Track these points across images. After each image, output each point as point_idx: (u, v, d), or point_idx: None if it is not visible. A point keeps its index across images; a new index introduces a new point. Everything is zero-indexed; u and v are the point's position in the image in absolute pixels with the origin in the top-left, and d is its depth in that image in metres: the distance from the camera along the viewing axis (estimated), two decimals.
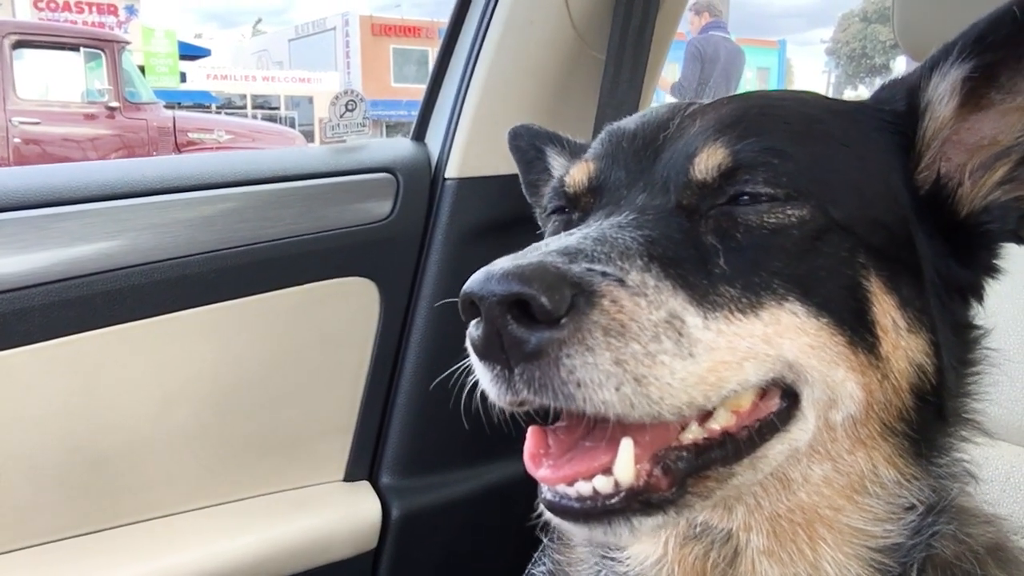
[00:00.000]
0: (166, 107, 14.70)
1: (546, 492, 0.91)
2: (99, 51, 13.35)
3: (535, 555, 1.43)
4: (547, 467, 0.90)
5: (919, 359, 1.01)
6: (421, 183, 2.16)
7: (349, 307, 2.10)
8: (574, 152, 1.40)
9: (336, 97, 2.20)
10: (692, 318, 0.87)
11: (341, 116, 2.21)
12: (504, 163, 1.48)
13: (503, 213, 2.18)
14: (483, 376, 0.89)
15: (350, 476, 2.19)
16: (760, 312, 0.92)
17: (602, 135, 1.17)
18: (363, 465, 2.21)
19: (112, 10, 30.87)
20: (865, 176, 1.04)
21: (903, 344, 1.00)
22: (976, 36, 1.01)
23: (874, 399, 0.99)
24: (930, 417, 1.04)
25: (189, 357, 1.92)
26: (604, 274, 0.85)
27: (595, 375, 0.82)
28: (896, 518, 1.03)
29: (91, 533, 1.88)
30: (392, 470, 2.22)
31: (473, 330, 0.86)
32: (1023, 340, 1.69)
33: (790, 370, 0.93)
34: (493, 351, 0.84)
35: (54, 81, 13.45)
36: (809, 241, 0.96)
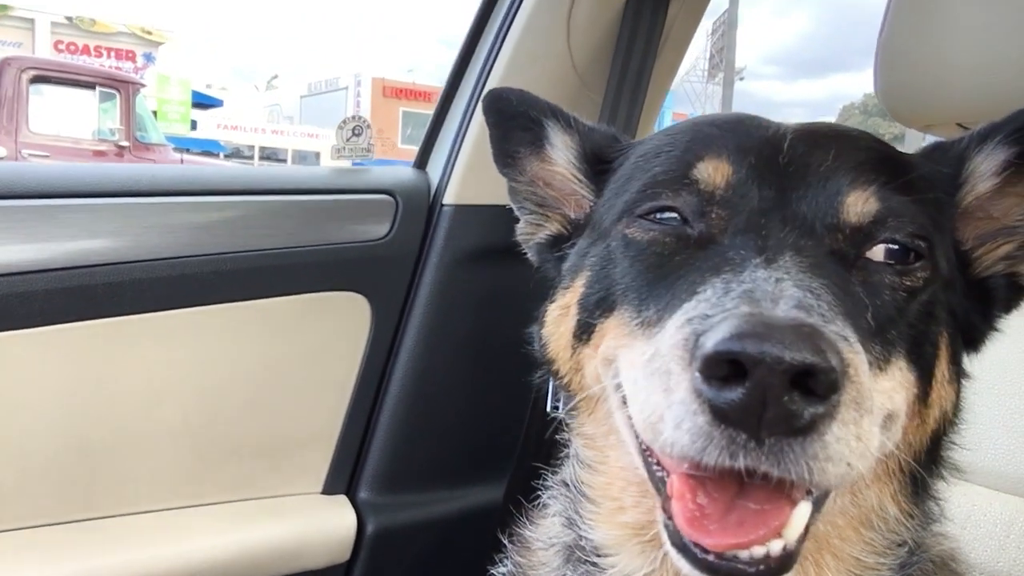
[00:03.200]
0: (175, 151, 14.93)
1: (705, 555, 0.83)
2: (114, 91, 13.64)
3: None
4: (714, 530, 0.83)
5: (947, 407, 1.07)
6: (419, 207, 2.24)
7: (340, 321, 2.16)
8: (585, 135, 1.30)
9: (344, 122, 2.29)
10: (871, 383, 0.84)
11: (347, 140, 2.30)
12: (501, 193, 1.45)
13: (497, 240, 2.25)
14: (702, 434, 0.77)
15: (328, 489, 2.22)
16: (888, 369, 0.94)
17: (694, 135, 1.09)
18: (342, 479, 2.23)
19: (130, 56, 31.52)
20: (947, 232, 1.10)
21: (943, 394, 1.06)
22: (1021, 124, 1.08)
23: (904, 440, 1.02)
24: (930, 459, 1.10)
25: (181, 355, 1.96)
26: (844, 339, 0.80)
27: (843, 451, 0.77)
28: (889, 553, 1.06)
29: (71, 522, 1.89)
30: (370, 485, 2.24)
31: (717, 389, 0.75)
32: (988, 385, 1.74)
33: (887, 420, 0.94)
34: (749, 419, 0.75)
35: (67, 117, 13.68)
36: (924, 299, 0.99)
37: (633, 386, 0.89)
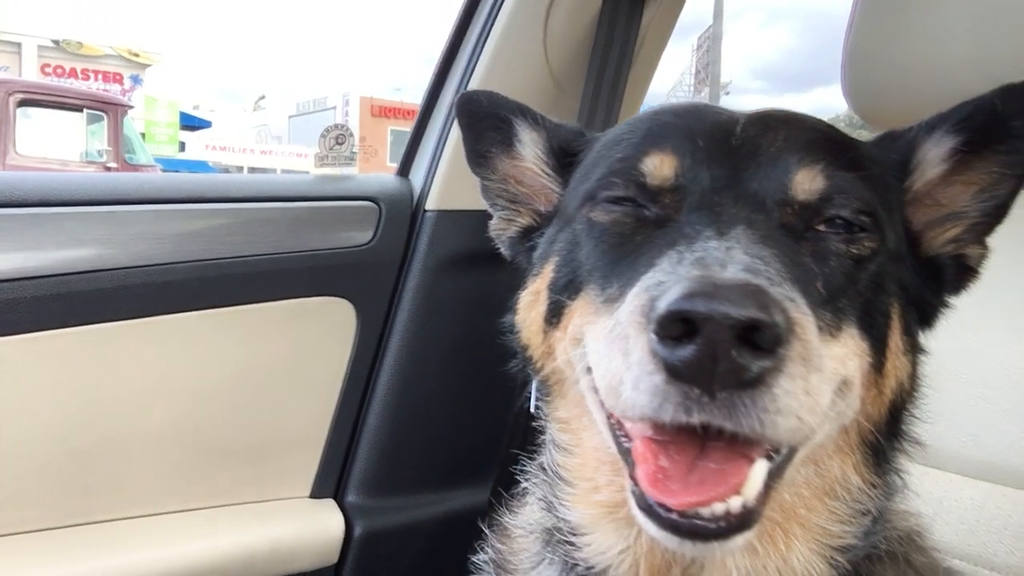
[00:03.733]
0: (163, 172, 14.95)
1: (668, 514, 0.87)
2: (102, 113, 13.67)
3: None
4: (676, 489, 0.86)
5: (903, 378, 1.11)
6: (403, 213, 2.28)
7: (326, 325, 2.19)
8: (552, 131, 1.36)
9: (327, 130, 2.33)
10: (820, 345, 0.88)
11: (331, 148, 2.34)
12: (482, 198, 1.51)
13: (479, 245, 2.27)
14: (658, 392, 0.81)
15: (316, 493, 2.24)
16: (839, 336, 0.98)
17: (653, 125, 1.14)
18: (329, 482, 2.25)
19: (117, 79, 31.57)
20: (895, 210, 1.15)
21: (898, 365, 1.10)
22: (966, 115, 1.15)
23: (863, 411, 1.07)
24: (890, 431, 1.14)
25: (169, 361, 1.99)
26: (791, 299, 0.84)
27: (792, 404, 0.80)
28: (854, 522, 1.09)
29: (60, 528, 1.91)
30: (358, 489, 2.26)
31: (670, 348, 0.79)
32: (957, 374, 1.79)
33: (840, 388, 0.98)
34: (702, 374, 0.79)
35: (55, 139, 13.70)
36: (873, 269, 1.05)
37: (596, 356, 0.93)
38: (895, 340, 1.08)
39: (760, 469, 0.88)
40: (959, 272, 1.23)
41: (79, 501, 1.93)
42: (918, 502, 1.68)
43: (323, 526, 2.17)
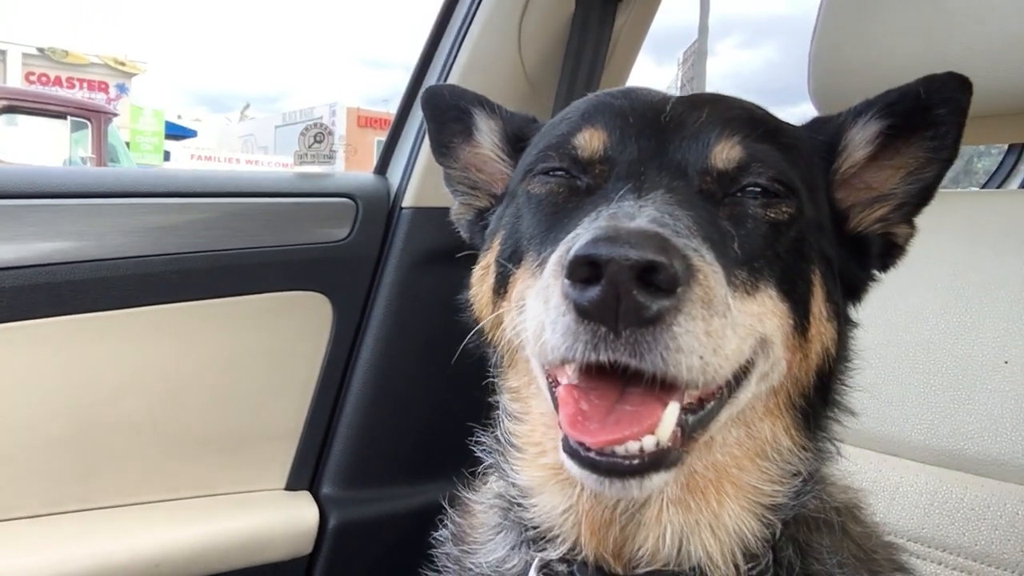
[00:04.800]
0: None
1: (587, 453, 0.93)
2: (86, 120, 13.61)
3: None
4: (594, 428, 0.93)
5: (828, 344, 1.17)
6: (379, 209, 2.33)
7: (302, 320, 2.22)
8: (507, 119, 1.44)
9: (306, 128, 2.38)
10: (730, 297, 0.96)
11: (310, 147, 2.39)
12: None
13: (454, 242, 2.31)
14: (570, 332, 0.89)
15: (291, 485, 2.27)
16: (756, 295, 1.04)
17: (590, 107, 1.22)
18: (305, 474, 2.29)
19: (103, 87, 31.46)
20: (818, 186, 1.23)
21: (822, 330, 1.16)
22: (891, 101, 1.23)
23: (790, 375, 1.13)
24: (820, 397, 1.19)
25: (146, 353, 2.02)
26: (694, 249, 0.92)
27: (692, 343, 0.87)
28: (784, 482, 1.14)
29: (34, 517, 1.94)
30: (333, 481, 2.30)
31: (580, 291, 0.86)
32: (890, 361, 1.85)
33: (761, 346, 1.05)
34: (607, 313, 0.86)
35: (39, 147, 13.65)
36: (791, 235, 1.11)
37: (529, 312, 0.99)
38: (818, 306, 1.14)
39: (672, 411, 0.94)
40: (887, 249, 1.30)
41: (53, 491, 1.96)
42: (875, 489, 1.75)
43: (298, 517, 2.20)
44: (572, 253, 0.86)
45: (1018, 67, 1.83)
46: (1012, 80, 1.83)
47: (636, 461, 0.93)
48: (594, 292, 0.85)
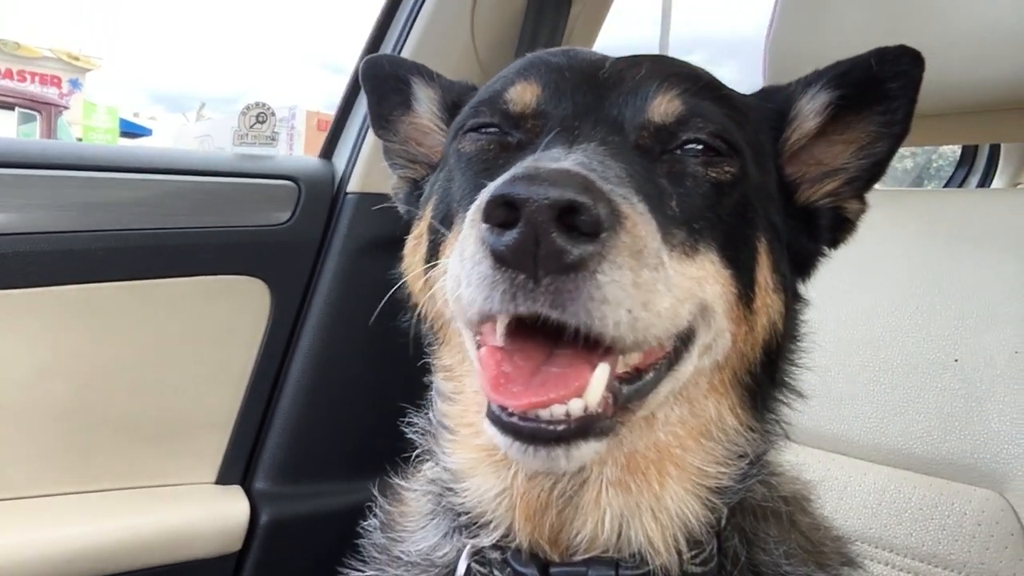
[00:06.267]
0: None
1: (510, 418, 0.86)
2: (35, 112, 13.24)
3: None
4: (517, 391, 0.85)
5: (775, 318, 1.11)
6: (323, 194, 2.24)
7: (238, 305, 2.13)
8: (446, 87, 1.38)
9: (247, 108, 2.28)
10: (665, 254, 0.89)
11: (251, 127, 2.29)
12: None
13: (401, 229, 2.25)
14: (487, 282, 0.81)
15: (222, 478, 2.17)
16: (696, 257, 0.98)
17: (526, 63, 1.15)
18: (237, 468, 2.18)
19: (55, 82, 30.74)
20: (765, 151, 1.17)
21: (768, 302, 1.10)
22: (842, 71, 1.17)
23: (735, 349, 1.07)
24: (767, 376, 1.13)
25: (69, 333, 1.91)
26: (623, 196, 0.85)
27: (619, 294, 0.80)
28: (730, 464, 1.08)
29: None
30: (266, 475, 2.20)
31: (497, 235, 0.79)
32: (840, 358, 1.82)
33: (702, 313, 0.98)
34: (525, 258, 0.78)
35: None
36: (735, 198, 1.05)
37: (449, 270, 0.91)
38: (763, 275, 1.08)
39: (602, 373, 0.87)
40: (837, 223, 1.24)
41: None
42: (823, 488, 1.71)
43: (227, 512, 2.09)
44: (489, 194, 0.80)
45: (972, 66, 1.82)
46: (967, 79, 1.82)
47: (562, 427, 0.85)
48: (511, 236, 0.78)
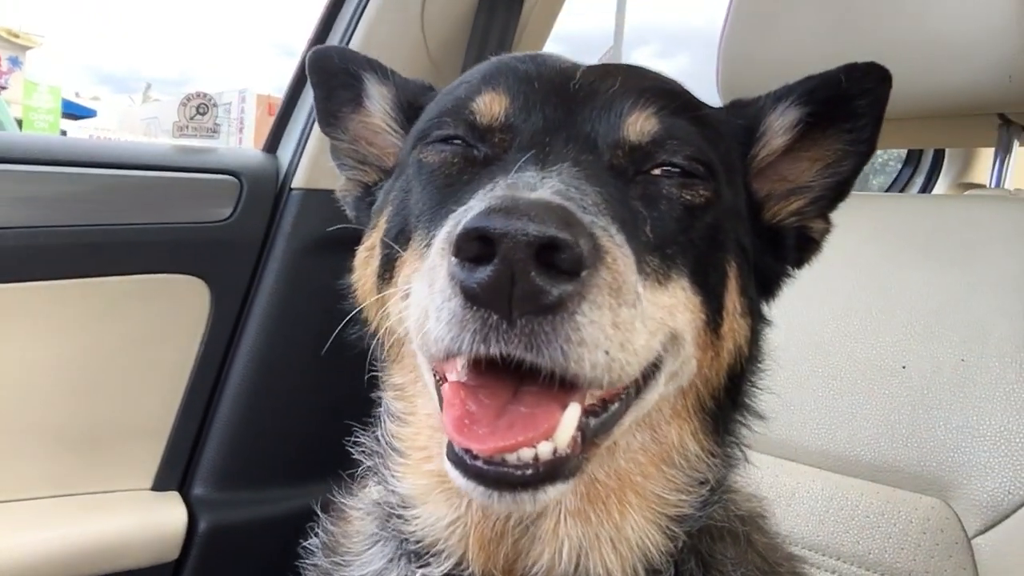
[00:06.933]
0: None
1: (474, 461, 0.80)
2: None
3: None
4: (482, 433, 0.80)
5: (741, 342, 1.08)
6: (266, 190, 2.17)
7: (176, 305, 2.05)
8: (401, 86, 1.30)
9: (187, 98, 2.20)
10: (640, 286, 0.84)
11: (191, 119, 2.21)
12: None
13: (348, 227, 2.19)
14: (456, 320, 0.76)
15: (159, 485, 2.09)
16: (668, 285, 0.93)
17: (492, 70, 1.09)
18: (174, 474, 2.11)
19: None
20: (736, 170, 1.13)
21: (735, 327, 1.06)
22: (811, 87, 1.15)
23: (700, 375, 1.03)
24: (730, 400, 1.10)
25: None
26: (603, 228, 0.80)
27: (598, 336, 0.75)
28: (691, 490, 1.05)
29: None
30: (205, 481, 2.12)
31: (469, 271, 0.74)
32: (788, 364, 1.81)
33: (671, 342, 0.94)
34: (499, 298, 0.73)
35: None
36: (708, 220, 1.01)
37: (413, 298, 0.86)
38: (732, 300, 1.05)
39: (572, 414, 0.82)
40: (802, 243, 1.22)
41: None
42: (771, 494, 1.70)
43: (164, 520, 2.02)
44: (461, 226, 0.73)
45: (920, 74, 1.82)
46: (913, 83, 1.82)
47: (530, 471, 0.80)
48: (485, 273, 0.72)
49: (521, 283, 0.72)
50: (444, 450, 0.85)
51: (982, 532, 1.50)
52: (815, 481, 1.70)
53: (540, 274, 0.72)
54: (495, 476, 0.80)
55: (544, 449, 0.80)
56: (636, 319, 0.80)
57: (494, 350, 0.75)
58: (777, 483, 1.74)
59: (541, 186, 0.82)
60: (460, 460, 0.81)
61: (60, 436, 1.94)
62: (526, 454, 0.80)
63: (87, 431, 1.97)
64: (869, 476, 1.66)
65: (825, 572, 1.63)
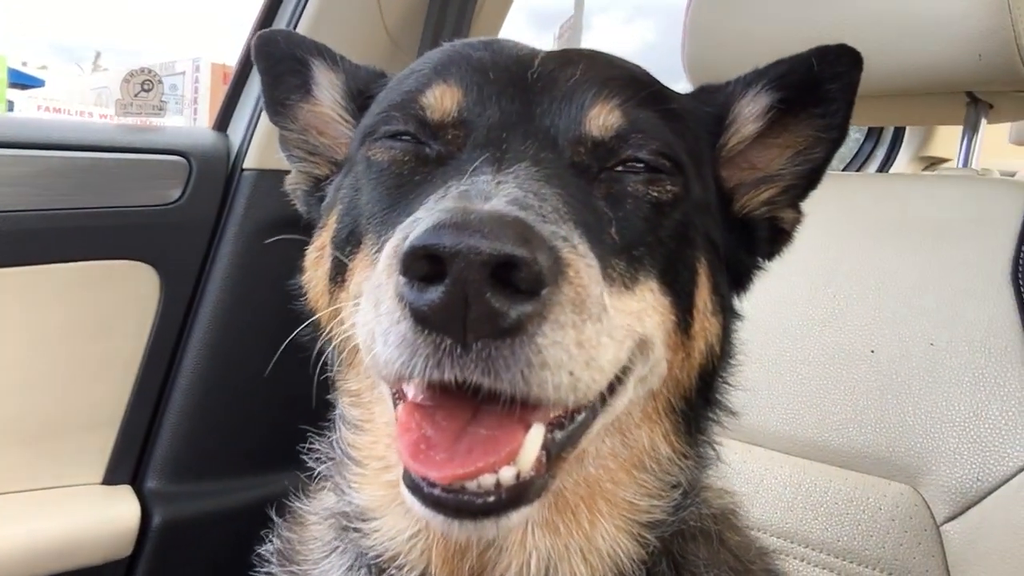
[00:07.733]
0: None
1: (432, 488, 0.75)
2: None
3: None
4: (440, 460, 0.74)
5: (712, 341, 1.04)
6: (217, 171, 2.07)
7: (124, 293, 1.96)
8: (351, 72, 1.23)
9: (131, 74, 2.09)
10: (606, 295, 0.79)
11: (135, 96, 2.10)
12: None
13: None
14: (406, 344, 0.70)
15: (109, 478, 2.01)
16: (635, 288, 0.89)
17: (444, 58, 1.03)
18: (125, 467, 2.03)
19: None
20: (705, 161, 1.08)
21: (707, 326, 1.02)
22: (782, 72, 1.10)
23: (671, 376, 0.99)
24: (702, 399, 1.06)
25: None
26: (564, 238, 0.75)
27: (561, 357, 0.71)
28: (663, 495, 1.02)
29: None
30: (158, 474, 2.05)
31: (418, 291, 0.68)
32: (755, 347, 1.78)
33: (640, 347, 0.90)
34: (452, 321, 0.68)
35: None
36: (676, 217, 0.96)
37: (360, 316, 0.80)
38: (703, 298, 1.01)
39: (536, 435, 0.77)
40: (773, 235, 1.18)
41: None
42: (738, 480, 1.68)
43: (116, 515, 1.94)
44: (408, 243, 0.68)
45: (888, 48, 1.79)
46: (882, 61, 1.79)
47: (491, 498, 0.75)
48: (436, 294, 0.67)
49: (476, 305, 0.67)
50: (400, 474, 0.79)
51: (951, 519, 1.49)
52: (783, 467, 1.68)
53: (496, 295, 0.67)
54: (455, 504, 0.75)
55: (506, 475, 0.75)
56: (602, 334, 0.75)
57: (448, 376, 0.70)
58: (745, 469, 1.72)
59: (496, 193, 0.77)
60: (417, 487, 0.76)
61: (4, 430, 1.85)
62: (487, 480, 0.75)
63: (33, 424, 1.89)
64: (838, 462, 1.64)
65: (794, 560, 1.62)
